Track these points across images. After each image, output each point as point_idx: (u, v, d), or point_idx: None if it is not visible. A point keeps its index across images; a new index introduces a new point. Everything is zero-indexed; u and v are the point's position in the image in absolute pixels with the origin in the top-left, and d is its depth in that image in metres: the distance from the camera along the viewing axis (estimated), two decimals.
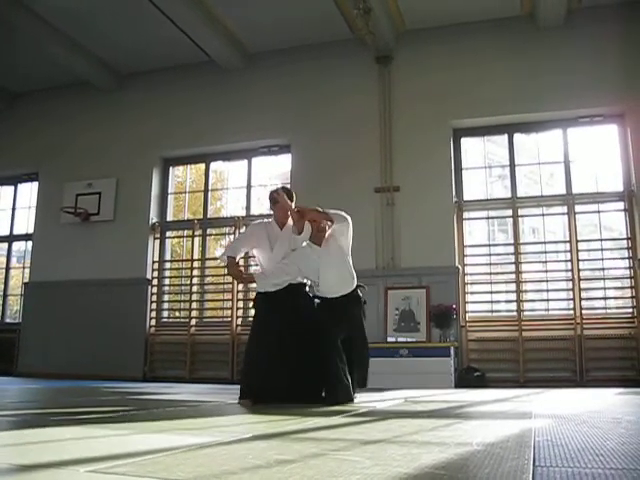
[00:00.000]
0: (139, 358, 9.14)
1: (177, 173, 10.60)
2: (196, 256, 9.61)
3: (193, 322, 9.28)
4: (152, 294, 9.48)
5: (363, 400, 4.67)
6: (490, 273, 8.31)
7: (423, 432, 2.79)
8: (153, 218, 9.67)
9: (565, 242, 8.13)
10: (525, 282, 8.14)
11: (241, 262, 5.15)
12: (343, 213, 4.87)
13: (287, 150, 9.34)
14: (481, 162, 9.00)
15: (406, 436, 2.63)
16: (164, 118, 9.84)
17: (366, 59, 8.90)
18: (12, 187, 11.18)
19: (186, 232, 10.05)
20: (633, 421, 3.26)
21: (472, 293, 8.29)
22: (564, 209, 8.18)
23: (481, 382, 7.36)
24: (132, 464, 1.82)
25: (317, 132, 8.96)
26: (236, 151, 9.75)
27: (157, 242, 9.70)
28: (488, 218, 8.88)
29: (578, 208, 8.11)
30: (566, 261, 8.00)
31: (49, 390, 6.53)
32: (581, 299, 7.73)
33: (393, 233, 8.35)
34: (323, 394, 4.51)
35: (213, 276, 9.77)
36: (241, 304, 9.16)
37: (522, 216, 8.55)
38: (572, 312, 7.71)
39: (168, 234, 10.00)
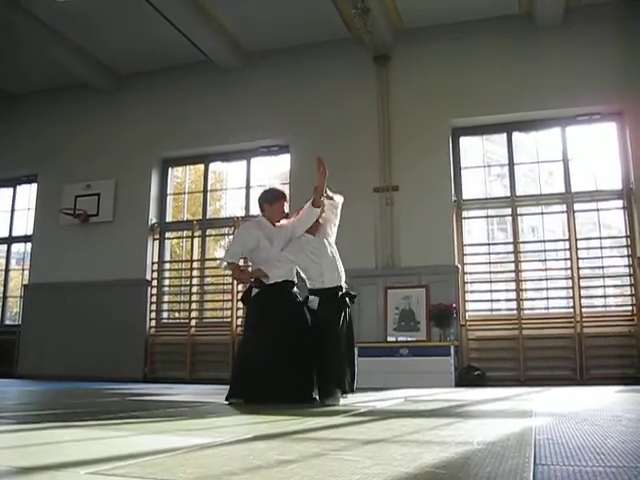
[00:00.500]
0: (139, 359, 9.14)
1: (176, 174, 10.60)
2: (195, 257, 9.62)
3: (193, 323, 9.28)
4: (152, 295, 9.49)
5: (363, 400, 4.67)
6: (490, 272, 8.32)
7: (424, 431, 2.79)
8: (152, 219, 9.67)
9: (564, 240, 8.13)
10: (525, 281, 8.15)
11: (240, 262, 5.08)
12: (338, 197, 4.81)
13: (286, 150, 9.34)
14: (480, 161, 9.02)
15: (407, 435, 2.63)
16: (163, 119, 9.84)
17: (364, 58, 8.90)
18: (11, 189, 11.18)
19: (185, 233, 10.05)
20: (633, 419, 3.26)
21: (472, 292, 8.30)
22: (563, 207, 8.18)
23: (481, 381, 7.37)
24: (133, 465, 1.82)
25: (316, 132, 8.95)
26: (235, 151, 9.76)
27: (156, 243, 9.70)
28: (487, 217, 8.88)
29: (577, 206, 8.12)
30: (565, 259, 8.01)
31: (49, 392, 6.53)
32: (581, 297, 7.74)
33: (392, 232, 8.36)
34: (315, 395, 4.51)
35: (213, 277, 9.77)
36: (241, 304, 9.14)
37: (521, 215, 8.56)
38: (572, 310, 7.72)
39: (167, 235, 10.00)
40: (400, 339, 7.84)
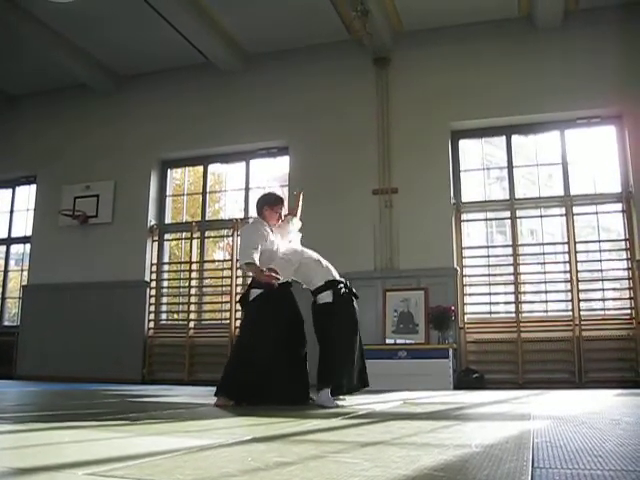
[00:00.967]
0: (137, 360, 9.13)
1: (175, 175, 10.59)
2: (194, 258, 9.61)
3: (192, 324, 9.28)
4: (150, 296, 9.48)
5: (362, 402, 4.67)
6: (489, 275, 8.32)
7: (422, 434, 2.79)
8: (151, 220, 9.67)
9: (563, 243, 8.13)
10: (523, 283, 8.14)
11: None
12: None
13: (285, 152, 9.34)
14: (479, 164, 9.02)
15: (405, 438, 2.63)
16: (162, 120, 9.84)
17: (364, 61, 8.91)
18: (10, 190, 11.17)
19: (184, 234, 10.04)
20: (632, 422, 3.26)
21: (471, 295, 8.30)
22: (562, 210, 8.19)
23: (480, 384, 7.36)
24: (131, 467, 1.82)
25: (315, 134, 8.97)
26: (234, 153, 9.76)
27: (155, 244, 9.70)
28: (486, 220, 8.87)
29: (576, 209, 8.13)
30: (564, 262, 8.02)
31: (47, 393, 6.52)
32: (579, 300, 7.73)
33: (391, 235, 8.36)
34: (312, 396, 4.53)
35: (211, 278, 9.77)
36: (240, 306, 9.14)
37: (520, 217, 8.56)
38: (570, 313, 7.72)
39: (166, 236, 10.00)
40: (399, 341, 7.83)
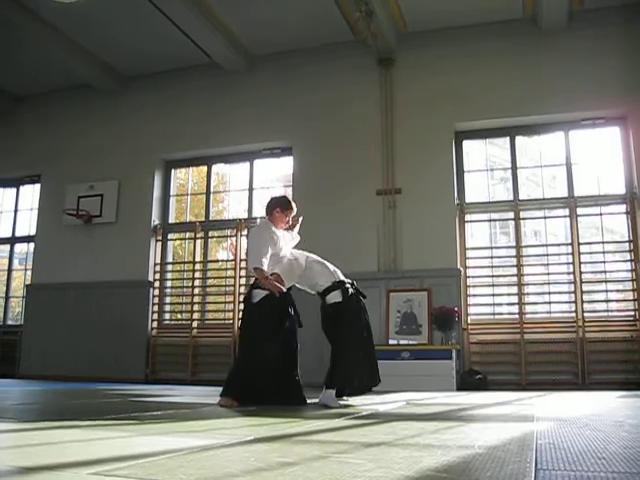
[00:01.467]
0: (141, 360, 9.15)
1: (179, 175, 10.60)
2: (198, 258, 9.62)
3: (195, 324, 9.29)
4: (154, 296, 9.49)
5: (365, 402, 4.67)
6: (492, 276, 8.31)
7: (425, 435, 2.79)
8: (155, 220, 9.68)
9: (567, 245, 8.13)
10: (527, 285, 8.13)
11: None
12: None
13: (289, 152, 9.34)
14: (483, 165, 9.01)
15: (408, 439, 2.63)
16: (166, 120, 9.86)
17: (368, 61, 8.90)
18: (14, 189, 11.19)
19: (188, 234, 10.05)
20: (635, 424, 3.25)
21: (474, 296, 8.30)
22: (566, 212, 8.18)
23: (483, 385, 7.35)
24: (134, 466, 1.82)
25: (319, 134, 8.97)
26: (238, 153, 9.77)
27: (159, 244, 9.71)
28: (490, 221, 8.86)
29: (580, 211, 8.12)
30: (568, 264, 8.00)
31: (51, 392, 6.53)
32: (583, 302, 7.72)
33: (395, 236, 8.35)
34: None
35: (215, 278, 9.77)
36: (243, 306, 9.14)
37: (524, 219, 8.55)
38: (574, 315, 7.71)
39: (170, 236, 10.01)
40: (402, 342, 7.83)
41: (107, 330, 9.19)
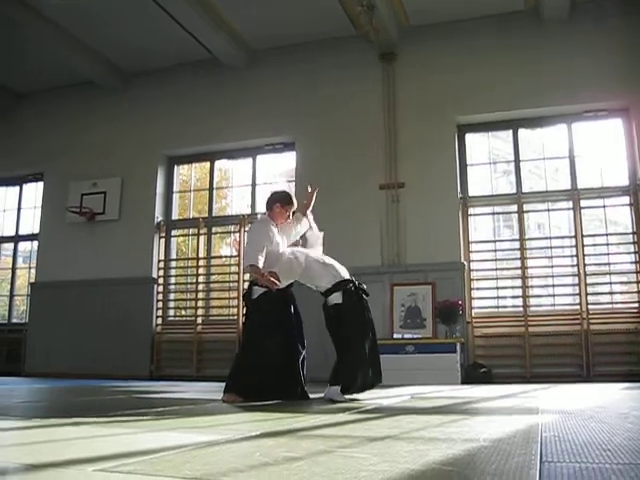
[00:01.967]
0: (145, 357, 9.17)
1: (182, 172, 10.60)
2: (202, 254, 9.63)
3: (199, 320, 9.31)
4: (158, 293, 9.51)
5: (369, 397, 4.68)
6: (496, 269, 8.30)
7: (430, 428, 2.79)
8: (158, 217, 9.69)
9: (571, 237, 8.11)
10: (531, 277, 8.13)
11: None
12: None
13: (292, 148, 9.33)
14: (486, 158, 9.00)
15: (413, 432, 2.63)
16: (169, 117, 9.85)
17: (370, 56, 8.88)
18: (17, 187, 11.20)
19: (191, 230, 10.04)
20: None
21: (478, 289, 8.29)
22: (569, 204, 8.17)
23: (487, 378, 7.36)
24: (140, 462, 1.83)
25: (321, 129, 8.96)
26: (241, 149, 9.76)
27: (162, 241, 9.72)
28: (493, 214, 8.85)
29: (583, 203, 8.10)
30: (572, 256, 8.00)
31: (56, 390, 6.56)
32: (587, 294, 7.71)
33: (398, 230, 8.35)
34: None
35: (219, 274, 9.79)
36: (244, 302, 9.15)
37: (527, 211, 8.53)
38: (578, 307, 7.71)
39: (173, 233, 10.02)
40: (406, 336, 7.83)
41: (112, 327, 9.21)
